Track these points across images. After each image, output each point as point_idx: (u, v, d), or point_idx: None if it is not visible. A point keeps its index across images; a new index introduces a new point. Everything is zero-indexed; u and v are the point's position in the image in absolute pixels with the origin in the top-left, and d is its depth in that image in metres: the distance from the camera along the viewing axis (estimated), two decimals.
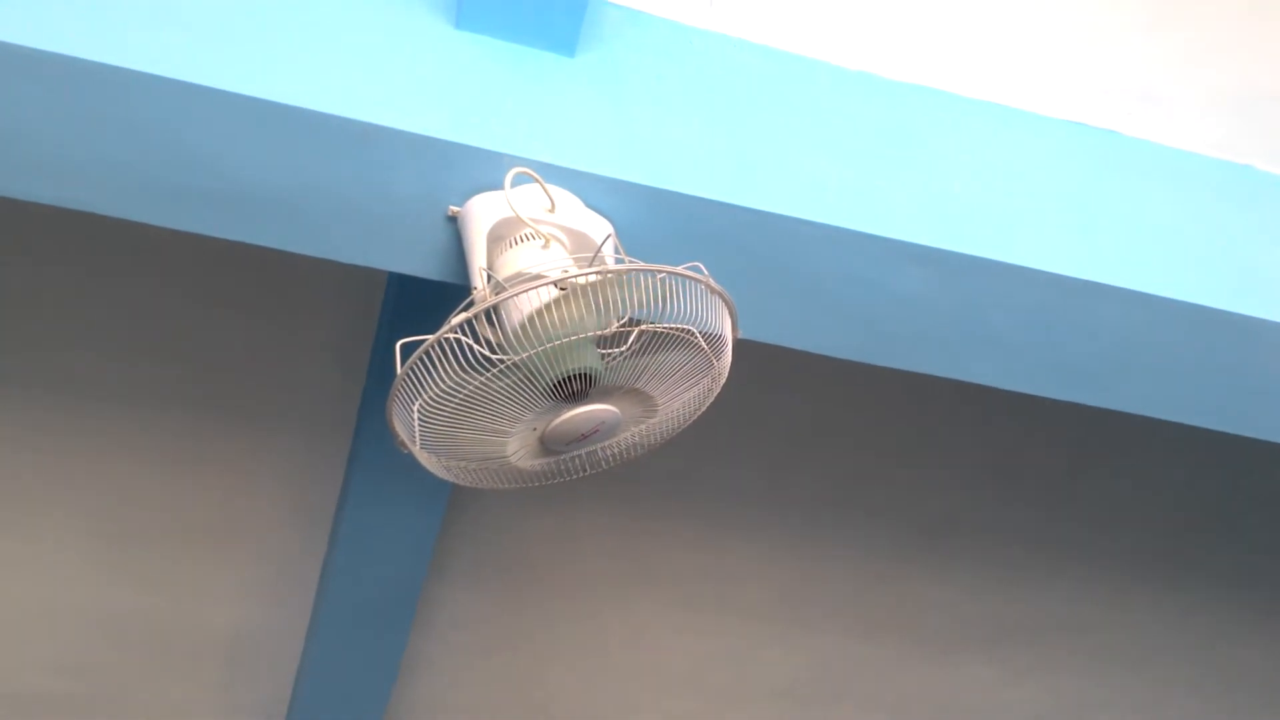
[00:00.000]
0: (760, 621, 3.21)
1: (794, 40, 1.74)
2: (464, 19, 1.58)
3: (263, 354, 2.53)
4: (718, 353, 1.44)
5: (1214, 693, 3.59)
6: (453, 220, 1.55)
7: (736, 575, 3.10)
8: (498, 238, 1.47)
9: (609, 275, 1.33)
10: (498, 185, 1.49)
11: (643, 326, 1.37)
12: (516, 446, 1.47)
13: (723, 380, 1.51)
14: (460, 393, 1.35)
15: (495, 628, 3.13)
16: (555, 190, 1.50)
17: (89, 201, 1.53)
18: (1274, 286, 1.77)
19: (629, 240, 1.57)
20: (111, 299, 2.44)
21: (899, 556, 3.11)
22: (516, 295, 1.33)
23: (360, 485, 2.50)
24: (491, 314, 1.36)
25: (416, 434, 1.41)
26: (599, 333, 1.34)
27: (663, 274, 1.34)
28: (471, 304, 1.35)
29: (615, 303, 1.33)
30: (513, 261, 1.44)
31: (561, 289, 1.34)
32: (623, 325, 1.37)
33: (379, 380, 2.33)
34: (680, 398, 1.50)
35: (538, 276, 1.36)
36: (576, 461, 1.56)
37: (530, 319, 1.33)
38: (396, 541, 2.61)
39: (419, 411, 1.38)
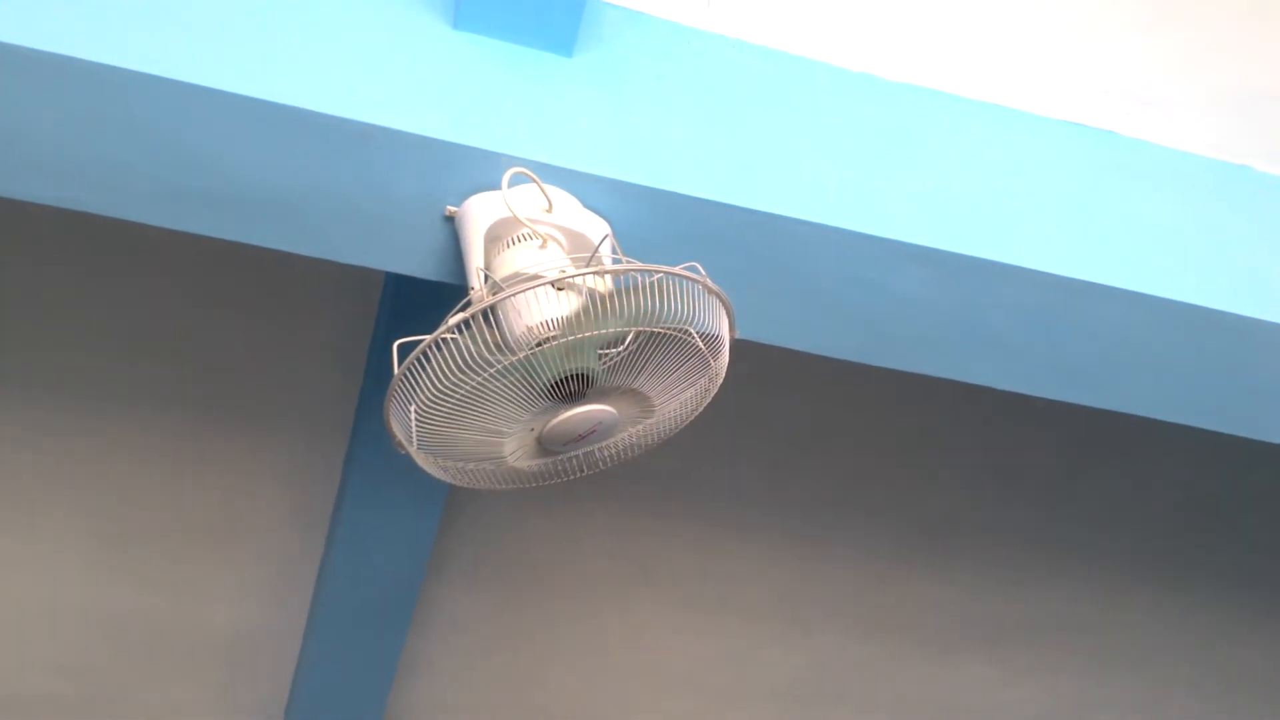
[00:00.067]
0: (760, 622, 3.21)
1: (792, 41, 1.74)
2: (462, 19, 1.58)
3: (261, 354, 2.53)
4: (715, 353, 1.44)
5: (1214, 693, 3.59)
6: (450, 220, 1.55)
7: (736, 575, 3.10)
8: (495, 238, 1.47)
9: (609, 279, 1.33)
10: (495, 185, 1.49)
11: (640, 327, 1.37)
12: (514, 447, 1.47)
13: (720, 380, 1.51)
14: (457, 393, 1.35)
15: (494, 628, 3.13)
16: (553, 190, 1.50)
17: (89, 202, 1.53)
18: (1272, 287, 1.77)
19: (626, 240, 1.57)
20: (111, 299, 2.44)
21: (899, 557, 3.11)
22: (514, 295, 1.33)
23: (358, 485, 2.50)
24: (489, 314, 1.36)
25: (413, 434, 1.41)
26: (598, 333, 1.35)
27: (660, 274, 1.34)
28: (469, 304, 1.35)
29: (618, 311, 1.33)
30: (510, 262, 1.44)
31: (560, 289, 1.34)
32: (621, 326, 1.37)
33: (376, 380, 2.33)
34: (678, 398, 1.50)
35: (535, 277, 1.36)
36: (574, 462, 1.56)
37: (545, 324, 1.33)
38: (394, 542, 2.61)
39: (416, 412, 1.38)
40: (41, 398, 2.57)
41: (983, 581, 3.19)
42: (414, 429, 1.40)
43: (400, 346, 1.38)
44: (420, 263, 1.62)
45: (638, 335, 1.38)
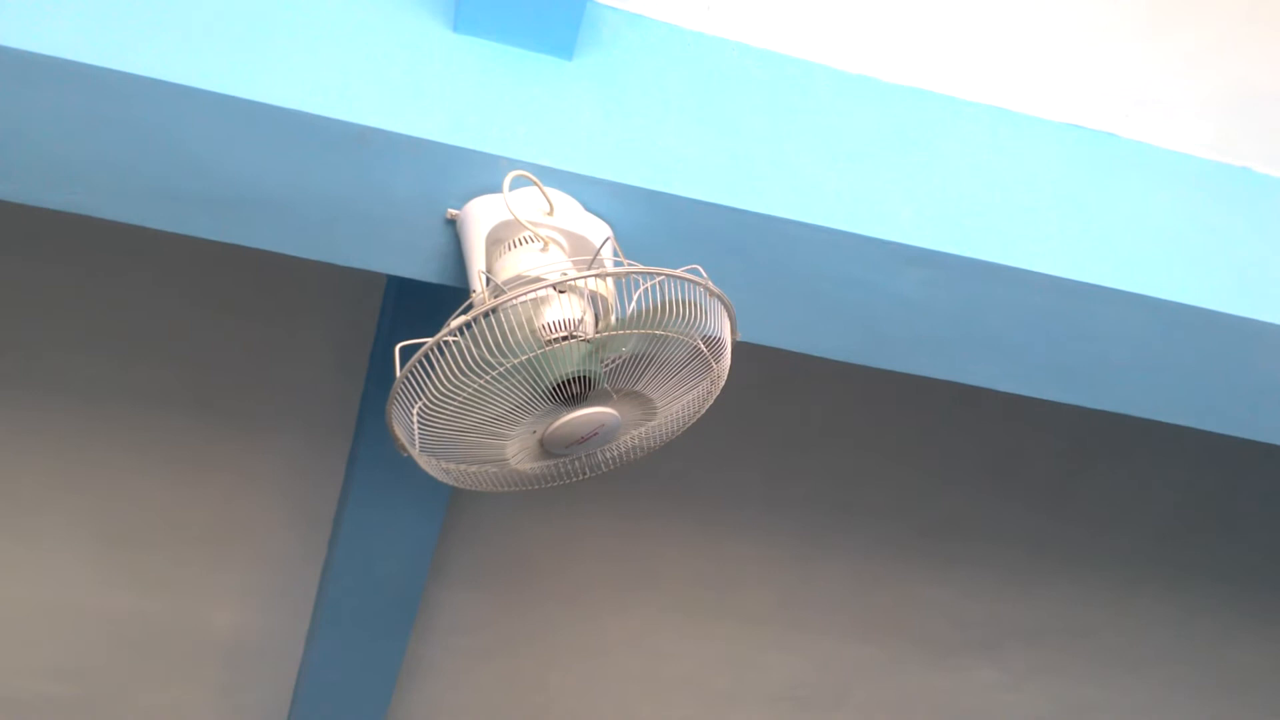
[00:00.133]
0: (760, 624, 3.21)
1: (792, 43, 1.75)
2: (462, 22, 1.59)
3: (263, 356, 2.53)
4: (717, 355, 1.44)
5: (1215, 695, 3.59)
6: (451, 223, 1.56)
7: (736, 578, 3.10)
8: (496, 241, 1.48)
9: (609, 281, 1.34)
10: (496, 188, 1.49)
11: (645, 329, 1.37)
12: (516, 449, 1.47)
13: (722, 383, 1.51)
14: (460, 396, 1.36)
15: (495, 631, 3.13)
16: (554, 193, 1.50)
17: (89, 205, 1.53)
18: (1272, 288, 1.77)
19: (628, 243, 1.57)
20: (112, 301, 2.44)
21: (899, 559, 3.11)
22: (515, 298, 1.33)
23: (360, 488, 2.50)
24: (490, 317, 1.36)
25: (416, 437, 1.41)
26: (597, 335, 1.35)
27: (661, 277, 1.34)
28: (470, 307, 1.35)
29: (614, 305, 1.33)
30: (512, 264, 1.44)
31: (561, 291, 1.34)
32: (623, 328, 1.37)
33: (378, 383, 2.33)
34: (679, 400, 1.50)
35: (537, 279, 1.36)
36: (576, 464, 1.56)
37: (525, 318, 1.33)
38: (396, 544, 2.61)
39: (418, 414, 1.38)
40: (43, 399, 2.57)
41: (983, 583, 3.19)
42: (416, 431, 1.40)
43: (402, 349, 1.38)
44: (421, 265, 1.62)
45: (640, 338, 1.38)
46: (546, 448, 1.47)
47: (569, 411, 1.41)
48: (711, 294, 1.38)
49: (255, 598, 2.97)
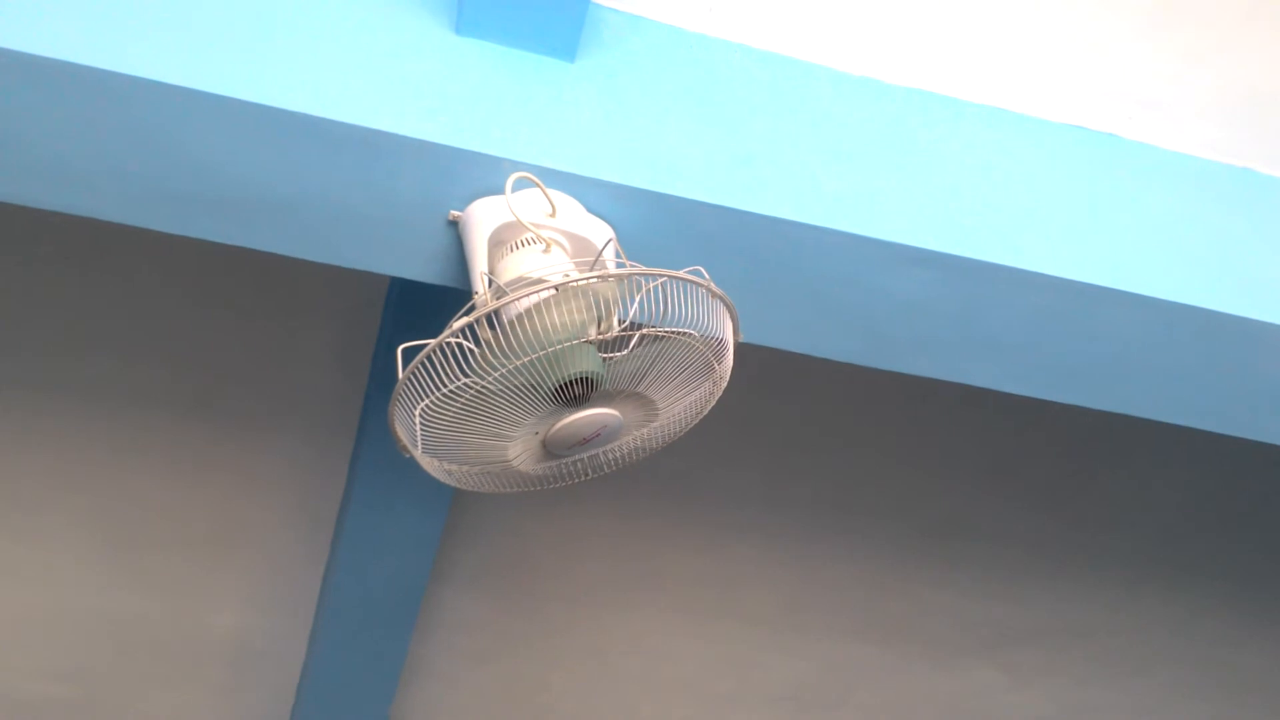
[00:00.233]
0: (762, 626, 3.21)
1: (794, 45, 1.75)
2: (464, 24, 1.59)
3: (265, 358, 2.53)
4: (719, 356, 1.45)
5: (1219, 697, 3.59)
6: (454, 225, 1.56)
7: (738, 580, 3.10)
8: (499, 242, 1.48)
9: (610, 279, 1.34)
10: (498, 190, 1.49)
11: (644, 330, 1.38)
12: (518, 450, 1.47)
13: (724, 384, 1.51)
14: (462, 397, 1.36)
15: (497, 632, 3.13)
16: (556, 195, 1.50)
17: (92, 208, 1.54)
18: (1274, 289, 1.77)
19: (630, 245, 1.57)
20: (114, 302, 2.44)
21: (901, 560, 3.11)
22: (518, 300, 1.33)
23: (363, 489, 2.51)
24: (493, 318, 1.37)
25: (418, 438, 1.41)
26: (600, 336, 1.35)
27: (664, 278, 1.35)
28: (473, 308, 1.36)
29: (604, 300, 1.33)
30: (514, 266, 1.44)
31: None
32: (624, 329, 1.37)
33: (381, 384, 2.33)
34: (682, 401, 1.50)
35: (539, 281, 1.36)
36: (578, 465, 1.56)
37: (527, 320, 1.33)
38: (399, 545, 2.61)
39: (421, 416, 1.38)
40: (44, 402, 2.58)
41: (985, 585, 3.19)
42: (419, 433, 1.40)
43: (405, 350, 1.38)
44: (424, 267, 1.62)
45: (642, 339, 1.38)
46: (549, 449, 1.47)
47: (572, 413, 1.41)
48: (714, 295, 1.38)
49: (257, 598, 2.97)
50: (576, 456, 1.52)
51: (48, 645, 3.02)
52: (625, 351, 1.39)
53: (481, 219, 1.49)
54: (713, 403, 1.54)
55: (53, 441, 2.64)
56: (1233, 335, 1.76)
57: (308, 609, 2.99)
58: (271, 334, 2.50)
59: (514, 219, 1.44)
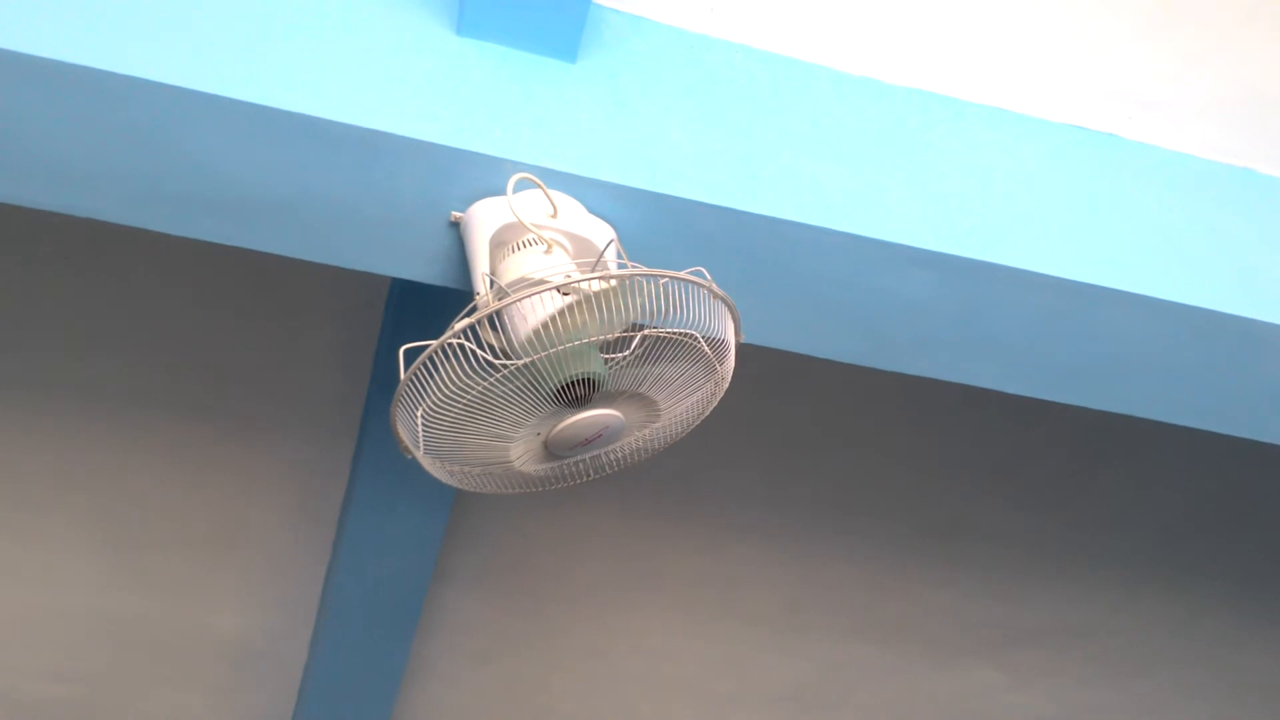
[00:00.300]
0: (763, 626, 3.21)
1: (795, 45, 1.75)
2: (465, 25, 1.59)
3: (266, 358, 2.53)
4: (721, 357, 1.45)
5: (1221, 697, 3.59)
6: (455, 226, 1.56)
7: (740, 580, 3.10)
8: (500, 243, 1.48)
9: (612, 281, 1.34)
10: (500, 191, 1.49)
11: (646, 331, 1.38)
12: (520, 451, 1.47)
13: (726, 385, 1.51)
14: (464, 398, 1.36)
15: (498, 632, 3.13)
16: (557, 195, 1.50)
17: (91, 208, 1.54)
18: (1275, 289, 1.77)
19: (631, 245, 1.57)
20: (113, 302, 2.44)
21: (902, 560, 3.11)
22: (519, 301, 1.33)
23: (364, 490, 2.51)
24: (495, 319, 1.37)
25: (420, 439, 1.41)
26: (602, 337, 1.35)
27: (665, 279, 1.35)
28: (475, 309, 1.36)
29: (620, 309, 1.33)
30: (515, 267, 1.44)
31: (565, 293, 1.35)
32: (626, 330, 1.37)
33: (382, 385, 2.33)
34: (684, 402, 1.50)
35: (541, 282, 1.36)
36: (580, 466, 1.56)
37: (539, 327, 1.33)
38: (401, 546, 2.61)
39: (423, 417, 1.38)
40: (45, 402, 2.58)
41: (987, 585, 3.19)
42: (420, 433, 1.40)
43: (406, 351, 1.38)
44: (425, 268, 1.62)
45: (644, 339, 1.38)
46: (551, 450, 1.47)
47: (573, 413, 1.41)
48: (715, 296, 1.39)
49: (259, 599, 2.97)
50: (578, 457, 1.52)
51: (48, 645, 3.02)
52: (627, 353, 1.39)
53: (483, 220, 1.49)
54: (714, 404, 1.54)
55: (53, 441, 2.64)
56: (1233, 335, 1.76)
57: (309, 609, 2.99)
58: (272, 334, 2.50)
59: (515, 220, 1.44)
